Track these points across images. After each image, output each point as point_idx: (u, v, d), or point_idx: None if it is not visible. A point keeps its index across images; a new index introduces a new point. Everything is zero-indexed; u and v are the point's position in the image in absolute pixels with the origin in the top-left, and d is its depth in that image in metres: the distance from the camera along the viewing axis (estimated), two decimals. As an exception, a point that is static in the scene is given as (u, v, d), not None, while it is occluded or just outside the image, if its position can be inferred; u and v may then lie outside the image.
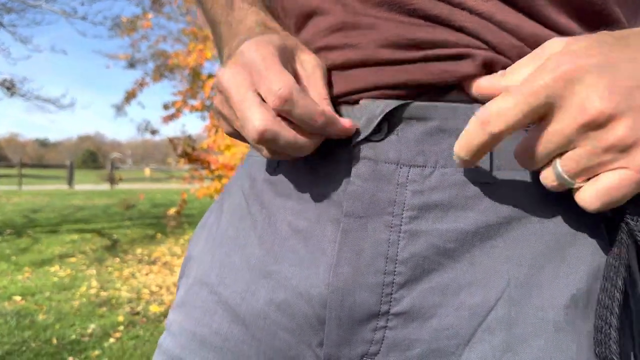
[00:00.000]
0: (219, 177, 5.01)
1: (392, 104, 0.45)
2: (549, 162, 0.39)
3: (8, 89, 10.53)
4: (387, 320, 0.45)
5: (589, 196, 0.38)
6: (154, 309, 3.93)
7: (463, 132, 0.40)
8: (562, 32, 0.44)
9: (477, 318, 0.43)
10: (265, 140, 0.42)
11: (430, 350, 0.44)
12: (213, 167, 4.96)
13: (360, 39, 0.46)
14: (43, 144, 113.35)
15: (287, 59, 0.46)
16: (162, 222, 8.84)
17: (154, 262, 5.69)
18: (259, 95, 0.43)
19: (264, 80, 0.42)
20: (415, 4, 0.44)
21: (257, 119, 0.41)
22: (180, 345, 0.54)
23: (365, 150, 0.46)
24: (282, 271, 0.49)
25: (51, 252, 6.16)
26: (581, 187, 0.38)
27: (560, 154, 0.38)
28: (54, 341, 3.20)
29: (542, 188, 0.44)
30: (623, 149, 0.35)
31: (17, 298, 4.18)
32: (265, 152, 0.46)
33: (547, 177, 0.40)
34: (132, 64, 7.46)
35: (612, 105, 0.35)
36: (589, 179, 0.38)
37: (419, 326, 0.45)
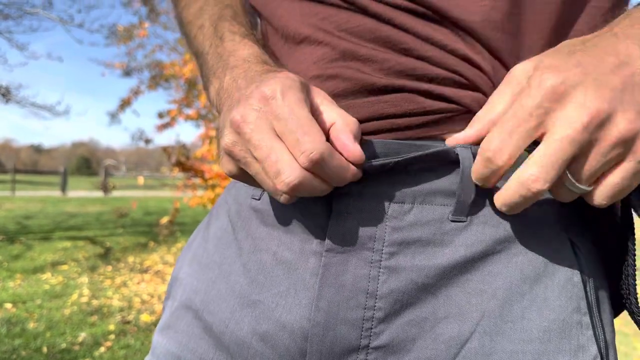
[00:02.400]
0: (213, 186, 5.02)
1: (384, 155, 0.46)
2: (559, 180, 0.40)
3: (3, 95, 10.52)
4: (367, 354, 0.46)
5: (599, 197, 0.40)
6: (145, 318, 3.92)
7: (473, 168, 0.43)
8: None
9: (453, 350, 0.45)
10: (293, 192, 0.42)
11: None
12: (207, 176, 4.96)
13: (359, 67, 0.48)
14: (37, 149, 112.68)
15: (307, 95, 0.45)
16: (154, 231, 8.81)
17: (146, 271, 5.68)
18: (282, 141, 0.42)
19: (293, 136, 0.40)
20: (409, 43, 0.46)
21: (288, 174, 0.40)
22: None
23: (349, 186, 0.46)
24: (265, 301, 0.50)
25: (43, 260, 6.13)
26: (592, 189, 0.40)
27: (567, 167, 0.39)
28: (45, 350, 3.19)
29: (514, 224, 0.46)
30: (627, 142, 0.37)
31: (8, 305, 4.16)
32: (284, 197, 0.43)
33: (562, 194, 0.41)
34: (127, 72, 7.47)
35: (608, 103, 0.36)
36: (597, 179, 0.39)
37: (397, 359, 0.46)
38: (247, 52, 0.51)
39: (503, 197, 0.41)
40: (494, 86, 0.46)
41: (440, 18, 0.46)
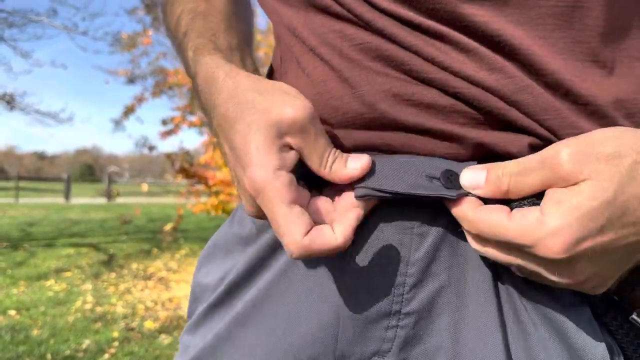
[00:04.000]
0: (216, 193, 5.04)
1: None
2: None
3: (8, 102, 10.56)
4: (399, 320, 0.47)
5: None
6: (149, 324, 3.92)
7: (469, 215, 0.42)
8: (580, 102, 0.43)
9: (480, 321, 0.46)
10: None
11: (436, 348, 0.46)
12: (210, 182, 4.98)
13: (361, 88, 0.46)
14: (41, 156, 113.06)
15: (280, 143, 0.43)
16: (158, 237, 8.82)
17: (149, 278, 5.68)
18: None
19: (276, 232, 0.41)
20: (412, 65, 0.44)
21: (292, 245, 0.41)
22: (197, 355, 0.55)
23: None
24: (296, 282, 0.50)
25: (47, 266, 6.14)
26: None
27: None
28: (49, 356, 3.19)
29: None
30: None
31: (12, 312, 4.16)
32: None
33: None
34: (131, 80, 7.50)
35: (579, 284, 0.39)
36: None
37: (427, 325, 0.47)
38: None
39: (469, 223, 0.42)
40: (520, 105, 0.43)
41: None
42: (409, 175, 0.44)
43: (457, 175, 0.43)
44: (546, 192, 0.39)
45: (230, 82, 0.46)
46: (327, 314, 0.48)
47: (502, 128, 0.44)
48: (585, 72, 0.43)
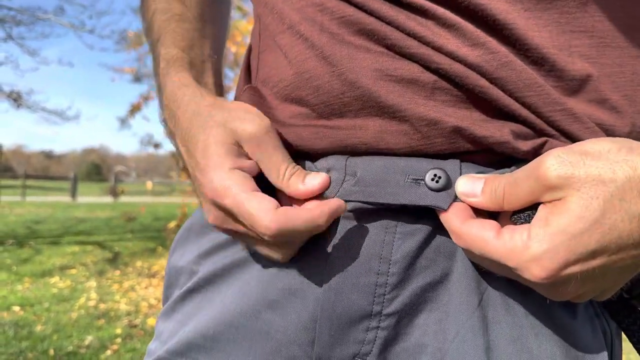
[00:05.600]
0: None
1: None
2: None
3: (15, 100, 10.63)
4: (380, 321, 0.45)
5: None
6: (152, 322, 3.92)
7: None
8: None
9: (461, 317, 0.44)
10: (281, 237, 0.42)
11: (418, 345, 0.45)
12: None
13: (343, 66, 0.45)
14: (48, 155, 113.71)
15: (234, 150, 0.46)
16: (162, 236, 8.82)
17: (153, 275, 5.69)
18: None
19: (246, 218, 0.43)
20: (393, 39, 0.43)
21: (265, 221, 0.41)
22: (169, 351, 0.53)
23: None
24: (276, 271, 0.49)
25: (52, 264, 6.16)
26: None
27: None
28: (51, 352, 3.20)
29: None
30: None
31: (16, 308, 4.18)
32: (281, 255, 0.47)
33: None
34: (137, 78, 7.51)
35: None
36: None
37: (408, 323, 0.45)
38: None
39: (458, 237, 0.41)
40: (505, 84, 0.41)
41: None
42: (393, 179, 0.44)
43: (444, 174, 0.42)
44: (538, 209, 0.37)
45: (194, 106, 0.49)
46: (304, 315, 0.47)
47: (483, 108, 0.43)
48: (573, 44, 0.42)
